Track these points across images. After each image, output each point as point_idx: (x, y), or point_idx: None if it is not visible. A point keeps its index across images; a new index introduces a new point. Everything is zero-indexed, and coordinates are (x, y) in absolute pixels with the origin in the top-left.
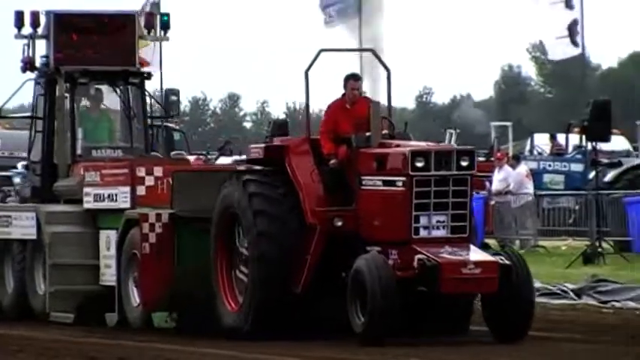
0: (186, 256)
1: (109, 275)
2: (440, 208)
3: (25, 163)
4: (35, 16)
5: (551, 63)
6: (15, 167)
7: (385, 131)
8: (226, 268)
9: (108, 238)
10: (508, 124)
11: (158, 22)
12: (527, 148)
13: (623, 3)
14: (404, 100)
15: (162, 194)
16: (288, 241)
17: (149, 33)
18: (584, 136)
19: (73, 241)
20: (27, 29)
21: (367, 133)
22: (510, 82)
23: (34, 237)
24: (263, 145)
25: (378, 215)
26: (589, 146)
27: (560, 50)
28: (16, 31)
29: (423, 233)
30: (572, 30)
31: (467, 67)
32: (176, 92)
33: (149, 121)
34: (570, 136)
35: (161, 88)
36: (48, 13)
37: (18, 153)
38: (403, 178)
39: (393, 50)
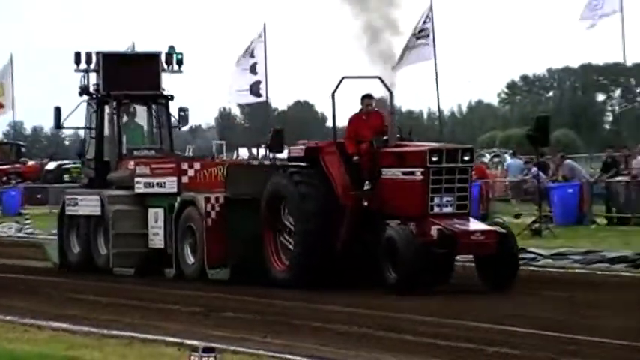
0: (235, 227)
1: (156, 241)
2: (448, 191)
3: None
4: (89, 55)
5: (242, 106)
6: None
7: (397, 135)
8: (272, 237)
9: (156, 214)
10: (223, 142)
11: (174, 60)
12: (234, 156)
13: (293, 67)
14: None
15: (200, 182)
16: (326, 217)
17: (168, 67)
18: (268, 150)
19: (129, 216)
20: (82, 65)
21: (384, 137)
22: (226, 118)
23: (99, 213)
24: (303, 147)
25: (397, 197)
26: (270, 155)
27: (244, 98)
28: (75, 66)
29: (436, 210)
30: (255, 87)
31: None
32: (185, 109)
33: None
34: (260, 150)
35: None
36: (98, 54)
37: None
38: (422, 169)
39: None
